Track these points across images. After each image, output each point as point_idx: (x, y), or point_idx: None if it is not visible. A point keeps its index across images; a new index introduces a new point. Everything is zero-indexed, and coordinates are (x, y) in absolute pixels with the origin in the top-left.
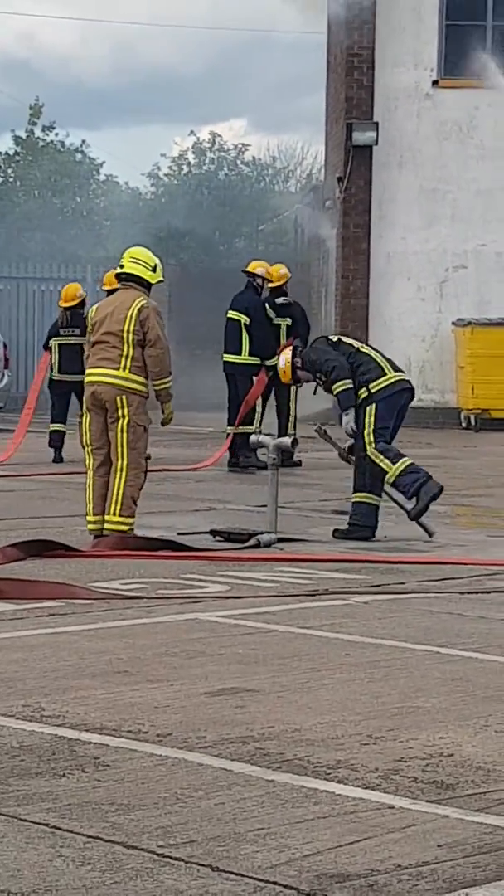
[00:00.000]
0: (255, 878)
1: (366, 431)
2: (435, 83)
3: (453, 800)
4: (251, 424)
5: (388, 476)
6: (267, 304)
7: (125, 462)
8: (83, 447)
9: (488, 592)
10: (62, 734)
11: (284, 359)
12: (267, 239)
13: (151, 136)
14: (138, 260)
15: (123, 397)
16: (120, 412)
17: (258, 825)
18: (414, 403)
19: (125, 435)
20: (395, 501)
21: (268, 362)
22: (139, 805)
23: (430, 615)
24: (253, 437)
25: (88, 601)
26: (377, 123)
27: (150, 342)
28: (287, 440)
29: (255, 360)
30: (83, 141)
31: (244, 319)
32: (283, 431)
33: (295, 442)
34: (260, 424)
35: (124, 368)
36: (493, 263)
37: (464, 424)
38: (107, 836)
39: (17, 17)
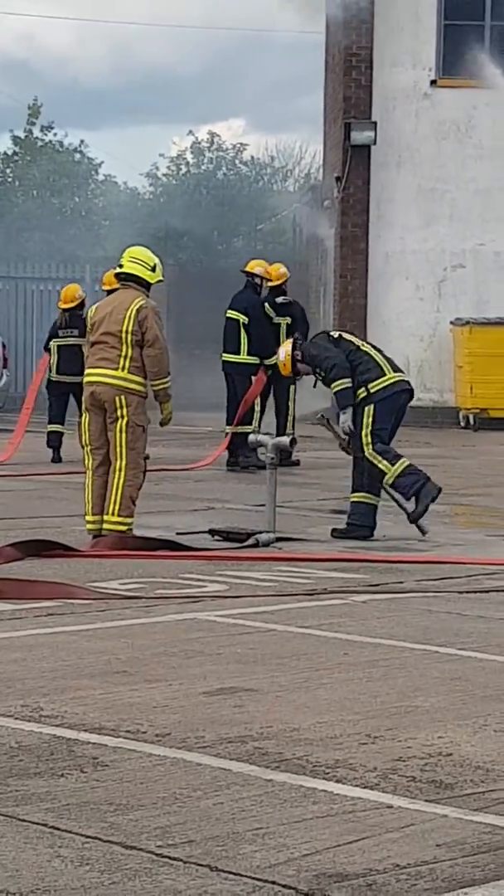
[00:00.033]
0: (253, 878)
1: (363, 432)
2: (433, 83)
3: (452, 799)
4: (250, 424)
5: (386, 477)
6: (267, 304)
7: (124, 462)
8: (82, 447)
9: (487, 592)
10: (61, 734)
11: (284, 351)
12: (265, 238)
13: (150, 136)
14: (137, 260)
15: (122, 397)
16: (119, 412)
17: (257, 825)
18: (412, 403)
19: (124, 435)
20: (397, 502)
21: (267, 362)
22: (138, 805)
23: (428, 614)
24: (251, 437)
25: (87, 601)
26: (375, 123)
27: (148, 342)
28: (285, 439)
29: (253, 360)
30: (82, 141)
31: (243, 319)
32: (281, 431)
33: (293, 441)
34: (259, 424)
35: (123, 369)
36: (491, 263)
37: (462, 424)
38: (105, 836)
39: (15, 18)
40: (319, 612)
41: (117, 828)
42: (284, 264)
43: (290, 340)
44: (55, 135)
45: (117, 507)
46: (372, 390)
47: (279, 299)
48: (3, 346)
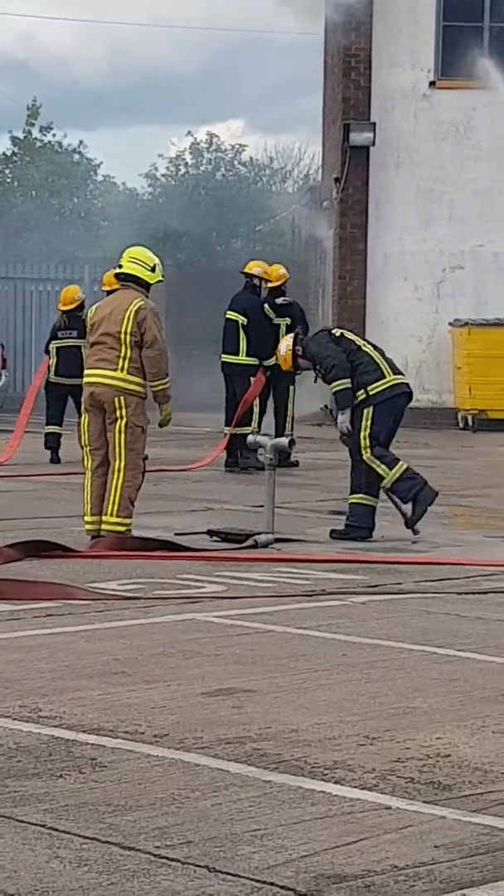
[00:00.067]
0: (251, 879)
1: (361, 435)
2: (432, 84)
3: (450, 800)
4: (249, 425)
5: (384, 481)
6: (266, 305)
7: (123, 463)
8: (82, 447)
9: (485, 593)
10: (59, 735)
11: (286, 346)
12: (264, 239)
13: (149, 137)
14: (137, 260)
15: (121, 398)
16: (118, 413)
17: (255, 826)
18: (411, 404)
19: (123, 436)
20: (395, 505)
21: (266, 363)
22: (136, 806)
23: (427, 615)
24: (250, 438)
25: (86, 602)
26: (374, 124)
27: (147, 343)
28: (284, 440)
29: (252, 361)
30: (80, 142)
31: (242, 320)
32: (280, 432)
33: (292, 442)
34: (258, 425)
35: (122, 370)
36: (490, 264)
37: (461, 425)
38: (104, 836)
39: (14, 18)
40: (318, 613)
41: (116, 828)
42: (283, 265)
43: (292, 335)
44: (54, 135)
45: (116, 508)
46: (371, 392)
47: (278, 300)
48: (2, 346)
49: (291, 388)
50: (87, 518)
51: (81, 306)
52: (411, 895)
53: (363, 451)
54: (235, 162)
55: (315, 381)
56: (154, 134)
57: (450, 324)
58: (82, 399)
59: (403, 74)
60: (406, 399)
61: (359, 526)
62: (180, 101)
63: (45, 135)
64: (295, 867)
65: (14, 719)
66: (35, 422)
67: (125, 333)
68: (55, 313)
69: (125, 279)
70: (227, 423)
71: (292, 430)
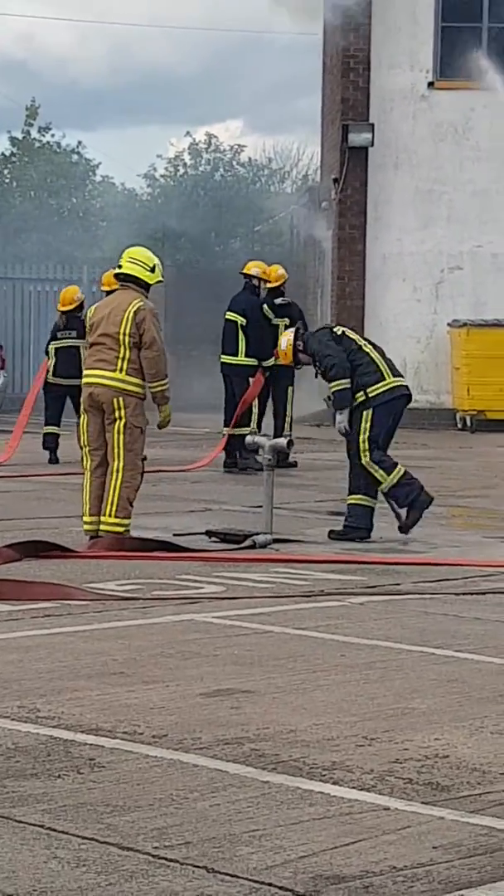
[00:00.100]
0: (250, 880)
1: (361, 438)
2: (431, 85)
3: (449, 801)
4: (248, 426)
5: (382, 486)
6: (265, 305)
7: (121, 463)
8: (81, 448)
9: (484, 594)
10: (58, 735)
11: (286, 340)
12: (263, 240)
13: (147, 138)
14: (136, 260)
15: (120, 399)
16: (117, 414)
17: (253, 826)
18: (410, 404)
19: (122, 436)
20: (392, 507)
21: (265, 363)
22: (134, 806)
23: (425, 616)
24: (249, 439)
25: (84, 602)
26: (373, 125)
27: (145, 344)
28: (283, 441)
29: (251, 362)
30: (79, 142)
31: (241, 321)
32: (279, 432)
33: (291, 443)
34: (257, 426)
35: (121, 370)
36: (488, 265)
37: (459, 426)
38: (102, 837)
39: (13, 18)
40: (316, 614)
41: (114, 829)
42: (282, 266)
43: (293, 329)
44: (53, 136)
45: (114, 509)
46: (371, 394)
47: (277, 301)
48: (1, 347)
49: (290, 388)
50: (85, 518)
51: (81, 307)
52: None
53: (362, 456)
54: (234, 162)
55: (316, 377)
56: (153, 134)
57: (448, 324)
58: (81, 399)
59: (402, 75)
60: (405, 401)
61: (357, 526)
62: (179, 102)
63: (43, 135)
64: (293, 868)
65: (12, 720)
66: (34, 422)
67: (124, 334)
68: (54, 314)
69: (124, 279)
70: (227, 424)
71: (291, 430)
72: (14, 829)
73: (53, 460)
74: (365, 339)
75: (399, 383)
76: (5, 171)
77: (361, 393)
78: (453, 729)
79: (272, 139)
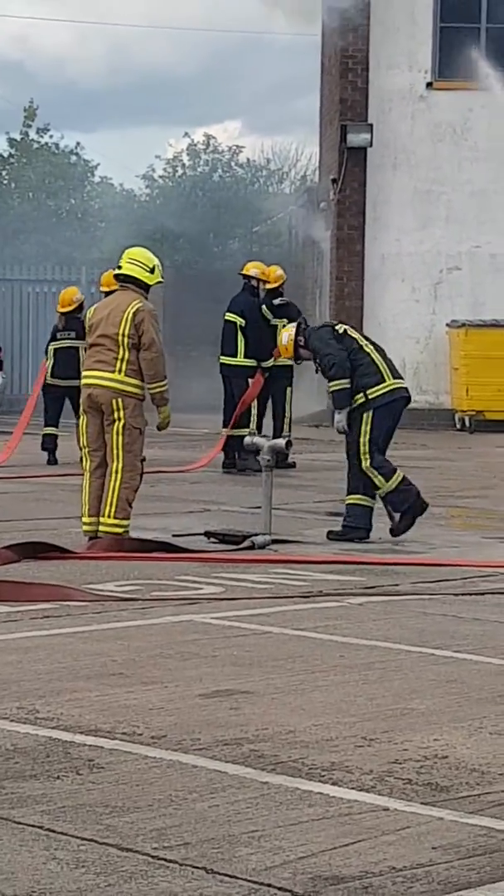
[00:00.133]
0: (249, 881)
1: (362, 440)
2: (429, 85)
3: (448, 802)
4: (246, 427)
5: (380, 491)
6: (264, 306)
7: (120, 464)
8: (80, 449)
9: (483, 594)
10: (57, 736)
11: (288, 335)
12: (261, 241)
13: (146, 138)
14: (136, 261)
15: (119, 400)
16: (115, 415)
17: (252, 827)
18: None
19: (120, 437)
20: (387, 510)
21: (264, 364)
22: (133, 807)
23: (424, 617)
24: (247, 439)
25: (83, 603)
26: (371, 125)
27: (144, 346)
28: (281, 442)
29: (251, 363)
30: (77, 143)
31: (240, 321)
32: (277, 433)
33: (289, 444)
34: (258, 427)
35: (119, 371)
36: (486, 265)
37: (458, 426)
38: (101, 838)
39: (11, 19)
40: (315, 615)
41: (113, 830)
42: (281, 266)
43: (295, 324)
44: (51, 137)
45: (113, 510)
46: (370, 396)
47: (276, 301)
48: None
49: (289, 389)
50: (84, 519)
51: (80, 308)
52: None
53: (363, 460)
54: (232, 163)
55: (316, 372)
56: (151, 135)
57: (447, 325)
58: (81, 400)
59: (401, 75)
60: (404, 403)
61: (356, 527)
62: (177, 103)
63: (42, 136)
64: (292, 868)
65: (11, 721)
66: (33, 423)
67: (122, 335)
68: (52, 315)
69: (124, 280)
70: (226, 425)
71: (290, 431)
72: (13, 831)
73: (52, 461)
74: (366, 339)
75: (399, 385)
76: (3, 173)
77: (361, 395)
78: (452, 729)
79: (270, 140)
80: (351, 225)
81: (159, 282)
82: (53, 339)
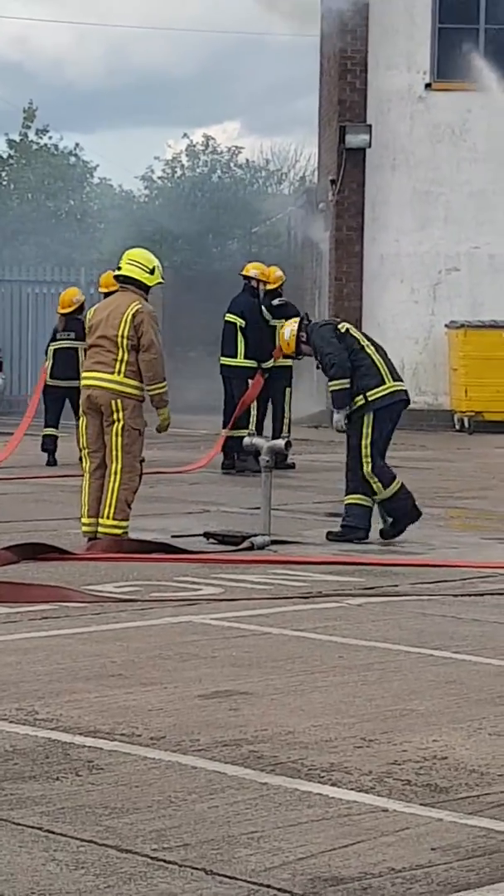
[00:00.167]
0: (248, 882)
1: (363, 443)
2: (428, 86)
3: (447, 803)
4: (246, 427)
5: (377, 496)
6: (263, 307)
7: (120, 465)
8: (80, 450)
9: (482, 595)
10: (56, 737)
11: (290, 330)
12: (260, 241)
13: (145, 139)
14: (136, 262)
15: (118, 401)
16: (115, 416)
17: (252, 828)
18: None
19: (120, 438)
20: (381, 514)
21: (264, 365)
22: (133, 808)
23: (423, 618)
24: (246, 440)
25: (82, 604)
26: (370, 126)
27: (143, 347)
28: (281, 442)
29: (250, 363)
30: (77, 144)
31: (240, 322)
32: (277, 434)
33: (289, 444)
34: (258, 428)
35: (119, 373)
36: (485, 266)
37: (457, 427)
38: (100, 839)
39: (11, 20)
40: (314, 616)
41: (112, 831)
42: (280, 267)
43: (297, 319)
44: (50, 138)
45: (112, 511)
46: (370, 398)
47: (275, 302)
48: None
49: (288, 390)
50: (83, 520)
51: (81, 309)
52: None
53: (364, 464)
54: (231, 164)
55: (316, 368)
56: (150, 136)
57: (446, 326)
58: (80, 401)
59: (399, 76)
60: (403, 406)
61: (355, 527)
62: (176, 104)
63: (41, 137)
64: (292, 869)
65: (10, 722)
66: (33, 424)
67: (122, 337)
68: (52, 316)
69: (124, 281)
70: (226, 426)
71: (289, 432)
72: (12, 832)
73: (52, 462)
74: (367, 339)
75: (398, 387)
76: (3, 174)
77: (361, 396)
78: (452, 730)
79: (269, 141)
80: (350, 226)
81: (159, 283)
82: (53, 339)
